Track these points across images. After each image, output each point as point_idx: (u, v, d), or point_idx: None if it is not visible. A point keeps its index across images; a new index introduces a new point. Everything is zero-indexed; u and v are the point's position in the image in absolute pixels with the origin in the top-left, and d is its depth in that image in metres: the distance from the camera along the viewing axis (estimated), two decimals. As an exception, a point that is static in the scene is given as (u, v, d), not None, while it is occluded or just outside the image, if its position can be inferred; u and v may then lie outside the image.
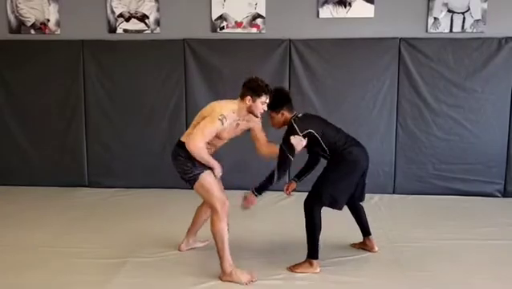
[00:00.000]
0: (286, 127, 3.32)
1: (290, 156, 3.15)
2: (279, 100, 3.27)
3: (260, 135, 3.38)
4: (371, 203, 4.87)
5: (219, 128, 3.08)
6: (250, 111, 3.16)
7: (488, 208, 4.77)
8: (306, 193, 3.33)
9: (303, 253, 3.29)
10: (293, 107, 3.36)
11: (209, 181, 3.16)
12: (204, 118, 3.12)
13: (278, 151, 3.24)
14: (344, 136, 3.34)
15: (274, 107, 3.26)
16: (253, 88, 3.12)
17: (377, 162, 5.10)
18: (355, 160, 3.26)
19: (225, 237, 3.11)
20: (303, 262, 3.25)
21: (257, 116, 3.21)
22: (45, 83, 5.38)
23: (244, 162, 5.18)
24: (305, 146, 3.26)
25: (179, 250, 3.61)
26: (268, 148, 3.37)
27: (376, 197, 5.05)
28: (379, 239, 3.81)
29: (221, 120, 3.05)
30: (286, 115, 3.30)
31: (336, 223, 3.72)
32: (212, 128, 3.05)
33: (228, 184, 4.67)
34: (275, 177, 3.18)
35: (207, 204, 3.27)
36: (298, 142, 3.16)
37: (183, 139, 3.23)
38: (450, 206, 4.82)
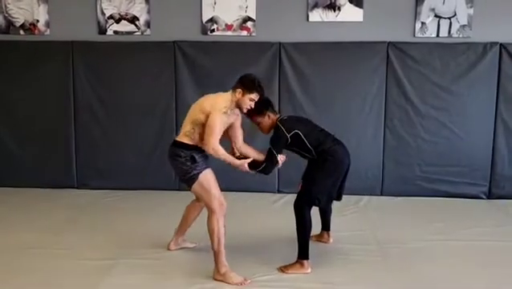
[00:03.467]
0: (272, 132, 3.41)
1: (274, 164, 3.29)
2: (261, 105, 3.33)
3: (238, 130, 3.39)
4: (360, 204, 4.94)
5: (225, 121, 3.13)
6: (238, 104, 3.21)
7: (473, 209, 4.85)
8: (296, 195, 3.40)
9: (294, 253, 3.33)
10: (275, 110, 3.48)
11: (209, 180, 3.19)
12: (203, 112, 3.13)
13: (255, 156, 3.35)
14: (327, 135, 3.44)
15: (258, 112, 3.33)
16: (246, 83, 3.18)
17: (365, 164, 5.20)
18: (339, 158, 3.35)
19: (221, 237, 3.14)
20: (294, 263, 3.30)
21: (242, 110, 3.24)
22: (34, 83, 5.35)
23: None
24: (293, 148, 3.36)
25: (168, 248, 3.63)
26: (244, 150, 3.40)
27: (365, 198, 5.12)
28: (367, 240, 3.88)
29: (225, 112, 3.11)
30: (272, 116, 3.40)
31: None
32: (220, 124, 3.09)
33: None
34: (262, 170, 3.30)
35: (205, 204, 3.25)
36: (280, 158, 3.33)
37: (179, 138, 3.26)
38: (436, 208, 4.89)
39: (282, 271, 3.28)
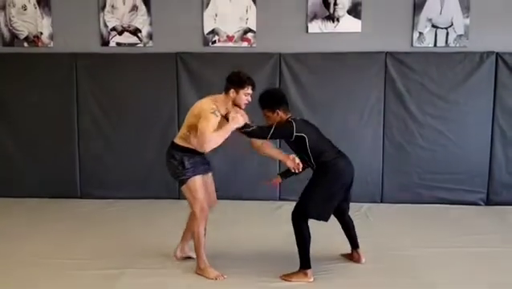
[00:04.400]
0: None
1: (269, 135, 3.28)
2: (275, 100, 3.37)
3: None
4: (361, 212, 5.01)
5: (215, 121, 3.19)
6: (235, 103, 3.30)
7: (472, 216, 4.92)
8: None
9: (296, 261, 3.38)
10: (289, 110, 3.46)
11: (196, 185, 3.37)
12: (195, 116, 3.24)
13: (268, 150, 3.45)
14: (332, 148, 3.45)
15: (269, 106, 3.36)
16: (235, 81, 3.29)
17: (365, 172, 5.27)
18: (339, 172, 3.34)
19: (201, 238, 3.41)
20: (297, 272, 3.35)
21: (241, 107, 3.33)
22: (38, 95, 5.43)
23: (234, 172, 5.30)
24: (293, 148, 3.40)
25: (174, 255, 3.68)
26: (258, 142, 3.48)
27: (365, 206, 5.19)
28: (368, 247, 3.93)
29: (213, 112, 3.20)
30: (282, 115, 3.38)
31: (327, 233, 3.84)
32: (210, 123, 3.15)
33: (219, 194, 4.78)
34: (248, 128, 3.27)
35: (190, 206, 3.44)
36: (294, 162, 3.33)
37: (176, 140, 3.43)
38: (435, 215, 4.97)
39: (285, 280, 3.34)
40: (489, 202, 5.28)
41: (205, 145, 3.15)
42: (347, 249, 3.78)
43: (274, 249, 3.96)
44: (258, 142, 3.47)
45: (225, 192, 5.18)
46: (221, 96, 3.33)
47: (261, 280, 3.35)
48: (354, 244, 3.70)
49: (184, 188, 3.40)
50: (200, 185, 3.38)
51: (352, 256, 3.73)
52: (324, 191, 3.32)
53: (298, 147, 3.36)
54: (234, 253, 3.86)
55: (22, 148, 5.53)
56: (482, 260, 3.77)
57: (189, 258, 3.70)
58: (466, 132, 5.22)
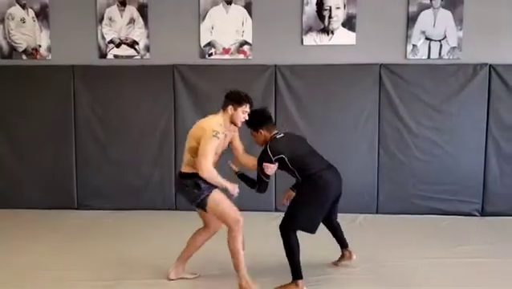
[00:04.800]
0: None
1: (265, 179, 3.37)
2: (257, 121, 3.46)
3: (238, 143, 3.56)
4: (356, 223, 5.04)
5: (216, 144, 3.22)
6: (232, 120, 3.34)
7: (466, 227, 4.94)
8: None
9: (289, 273, 3.40)
10: (273, 126, 3.53)
11: (217, 200, 3.29)
12: (195, 139, 3.25)
13: (254, 163, 3.45)
14: (318, 160, 3.49)
15: (252, 126, 3.46)
16: (233, 98, 3.34)
17: (360, 183, 5.31)
18: (326, 184, 3.38)
19: (240, 255, 3.27)
20: (290, 284, 3.36)
21: (237, 125, 3.38)
22: (36, 107, 5.48)
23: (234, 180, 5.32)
24: (279, 167, 3.44)
25: (168, 278, 3.56)
26: (245, 159, 3.56)
27: (361, 216, 5.21)
28: (363, 258, 3.95)
29: (215, 135, 3.20)
30: (265, 134, 3.47)
31: (319, 243, 3.85)
32: (211, 147, 3.19)
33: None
34: (255, 188, 3.42)
35: (223, 223, 3.35)
36: (269, 167, 3.35)
37: (182, 169, 3.38)
38: (430, 225, 4.98)
39: None
40: (484, 213, 5.30)
41: (201, 172, 3.18)
42: (336, 256, 3.83)
43: (269, 260, 3.96)
44: (243, 161, 3.57)
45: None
46: (218, 117, 3.34)
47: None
48: (343, 244, 3.78)
49: (208, 210, 3.30)
50: (221, 197, 3.31)
51: (343, 255, 3.79)
52: (310, 204, 3.35)
53: (281, 165, 3.41)
54: (228, 264, 3.85)
55: (19, 160, 5.56)
56: (476, 271, 3.79)
57: (184, 278, 3.60)
58: (460, 143, 5.26)
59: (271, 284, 3.45)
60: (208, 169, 3.18)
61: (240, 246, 3.27)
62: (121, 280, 3.59)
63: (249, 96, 3.39)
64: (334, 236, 3.78)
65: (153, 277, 3.64)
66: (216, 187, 3.33)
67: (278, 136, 3.49)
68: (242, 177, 3.54)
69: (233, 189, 3.29)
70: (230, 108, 3.32)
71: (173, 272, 3.57)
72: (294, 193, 3.65)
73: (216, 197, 3.29)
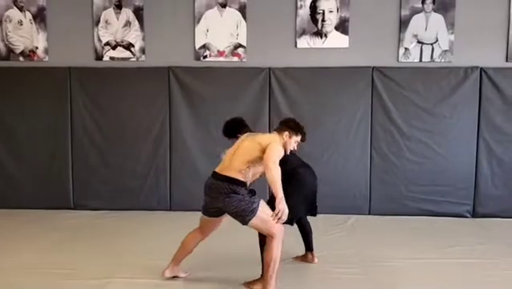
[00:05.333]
0: None
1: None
2: (232, 129, 3.62)
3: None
4: (347, 224, 5.09)
5: (281, 156, 3.17)
6: (284, 146, 3.30)
7: (457, 228, 4.99)
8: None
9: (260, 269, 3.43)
10: (245, 130, 3.58)
11: (265, 210, 3.18)
12: (261, 151, 3.16)
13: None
14: (296, 158, 3.62)
15: (229, 135, 3.61)
16: (292, 127, 3.38)
17: (353, 184, 5.38)
18: (303, 180, 3.54)
19: (278, 263, 3.18)
20: (260, 278, 3.36)
21: (286, 152, 3.33)
22: (33, 108, 5.54)
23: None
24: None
25: (163, 274, 3.60)
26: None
27: (353, 217, 5.26)
28: (353, 258, 4.01)
29: (282, 146, 3.25)
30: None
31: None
32: (280, 150, 3.17)
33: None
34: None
35: (265, 232, 3.22)
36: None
37: (232, 175, 3.18)
38: (422, 226, 5.04)
39: (248, 287, 3.40)
40: (475, 214, 5.36)
41: (267, 169, 3.06)
42: (324, 256, 3.93)
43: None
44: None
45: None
46: (271, 136, 3.35)
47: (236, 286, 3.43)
48: (309, 247, 3.87)
49: (254, 220, 3.14)
50: (267, 206, 3.22)
51: (306, 257, 3.89)
52: (290, 198, 3.26)
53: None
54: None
55: (16, 160, 5.62)
56: (464, 271, 3.84)
57: (177, 277, 3.63)
58: (452, 145, 5.32)
59: (241, 279, 3.51)
60: (274, 168, 3.03)
61: (279, 253, 3.18)
62: (115, 279, 3.63)
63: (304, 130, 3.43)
64: (302, 237, 3.87)
65: (148, 277, 3.67)
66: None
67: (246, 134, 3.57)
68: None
69: (281, 201, 3.05)
70: (286, 134, 3.33)
71: (168, 270, 3.61)
72: None
73: (264, 206, 3.20)
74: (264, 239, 3.33)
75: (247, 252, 3.95)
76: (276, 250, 3.15)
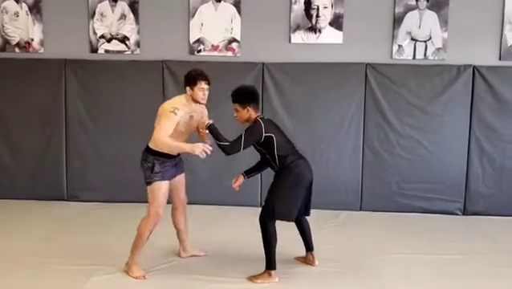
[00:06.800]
0: (247, 124, 3.51)
1: (242, 147, 3.36)
2: (246, 96, 3.48)
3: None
4: (338, 219, 5.11)
5: (175, 120, 3.35)
6: (194, 99, 3.46)
7: (448, 225, 5.02)
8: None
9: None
10: (259, 109, 3.58)
11: (161, 190, 3.50)
12: (157, 116, 3.44)
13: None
14: (293, 150, 3.58)
15: (240, 100, 3.47)
16: (188, 78, 3.47)
17: (345, 180, 5.40)
18: (300, 172, 3.48)
19: (143, 239, 3.53)
20: (263, 273, 3.46)
21: (200, 102, 3.48)
22: (28, 99, 5.57)
23: (216, 178, 5.41)
24: (258, 148, 3.51)
25: (179, 256, 3.87)
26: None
27: (344, 213, 5.29)
28: (341, 253, 4.04)
29: (172, 111, 3.36)
30: (251, 112, 3.48)
31: (293, 237, 3.91)
32: (168, 122, 3.36)
33: (200, 199, 4.89)
34: (222, 146, 3.39)
35: (148, 206, 3.56)
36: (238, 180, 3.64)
37: (150, 144, 3.55)
38: (412, 223, 5.06)
39: (252, 281, 3.45)
40: (466, 212, 5.38)
41: (157, 142, 3.36)
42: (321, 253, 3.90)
43: (250, 252, 4.02)
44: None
45: (206, 197, 5.35)
46: (182, 96, 3.50)
47: (231, 283, 3.46)
48: (309, 247, 3.81)
49: (148, 188, 3.54)
50: (163, 191, 3.51)
51: (307, 258, 3.83)
52: (289, 191, 3.44)
53: (265, 147, 3.46)
54: (210, 256, 3.98)
55: (10, 151, 5.65)
56: (451, 268, 3.87)
57: (195, 256, 3.87)
58: (444, 143, 5.33)
59: (246, 274, 3.55)
60: (161, 139, 3.33)
61: (147, 233, 3.51)
62: (102, 269, 3.67)
63: (204, 73, 3.49)
64: (301, 236, 3.82)
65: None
66: (167, 179, 3.50)
67: (265, 118, 3.55)
68: (213, 131, 3.44)
69: (197, 148, 3.29)
70: (188, 89, 3.46)
71: (182, 252, 3.89)
72: (243, 179, 3.72)
73: (162, 187, 3.50)
74: (263, 234, 3.42)
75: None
76: (144, 227, 3.51)
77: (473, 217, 5.28)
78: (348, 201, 5.43)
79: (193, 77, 3.46)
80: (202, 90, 3.45)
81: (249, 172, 3.76)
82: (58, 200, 5.60)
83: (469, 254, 4.16)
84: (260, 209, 5.20)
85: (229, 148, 3.38)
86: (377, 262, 3.92)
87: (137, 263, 3.55)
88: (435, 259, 4.03)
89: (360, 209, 5.46)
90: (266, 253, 3.44)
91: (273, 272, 3.43)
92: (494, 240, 4.55)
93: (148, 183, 3.53)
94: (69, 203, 5.56)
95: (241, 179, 3.74)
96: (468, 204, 5.38)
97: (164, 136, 3.35)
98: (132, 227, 4.67)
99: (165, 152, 3.46)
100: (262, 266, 3.54)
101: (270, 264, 3.43)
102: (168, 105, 3.44)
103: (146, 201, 5.39)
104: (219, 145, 3.40)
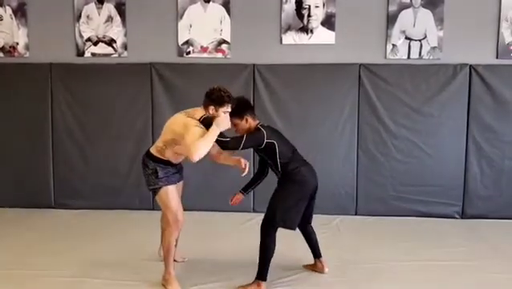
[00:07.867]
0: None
1: (242, 145, 3.25)
2: (242, 107, 3.38)
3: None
4: (333, 224, 4.97)
5: (202, 132, 3.14)
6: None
7: (445, 229, 4.87)
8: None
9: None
10: (256, 116, 3.48)
11: (169, 195, 3.35)
12: (174, 134, 3.24)
13: (232, 161, 3.45)
14: (297, 156, 3.47)
15: (237, 113, 3.34)
16: (215, 99, 3.23)
17: (339, 184, 5.26)
18: (304, 179, 3.37)
19: (171, 249, 3.38)
20: (252, 283, 3.32)
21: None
22: (13, 104, 5.43)
23: (208, 184, 5.27)
24: (261, 155, 3.42)
25: (175, 261, 3.67)
26: (223, 159, 3.53)
27: (339, 218, 5.15)
28: (334, 259, 3.89)
29: (197, 125, 3.17)
30: (251, 121, 3.39)
31: (290, 243, 3.80)
32: (197, 129, 3.14)
33: (192, 205, 4.75)
34: (223, 142, 3.25)
35: (164, 216, 3.44)
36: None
37: (151, 150, 3.43)
38: (409, 227, 4.92)
39: None
40: (464, 215, 5.24)
41: (195, 156, 3.05)
42: (310, 260, 3.74)
43: (241, 260, 3.91)
44: (214, 151, 3.45)
45: (198, 203, 5.20)
46: (200, 110, 3.30)
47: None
48: (316, 254, 3.68)
49: (157, 197, 3.40)
50: (173, 195, 3.37)
51: (316, 266, 3.70)
52: (291, 198, 3.33)
53: (266, 154, 3.37)
54: (199, 263, 3.85)
55: (-4, 158, 5.52)
56: (447, 273, 3.74)
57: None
58: (440, 144, 5.19)
59: (239, 283, 3.42)
60: (198, 147, 3.05)
61: (173, 240, 3.39)
62: (91, 279, 3.55)
63: (231, 95, 3.29)
64: (308, 243, 3.69)
65: (128, 276, 3.59)
66: (173, 183, 3.36)
67: (265, 125, 3.46)
68: (247, 189, 3.64)
69: (222, 121, 3.16)
70: (212, 109, 3.23)
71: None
72: (242, 197, 3.66)
73: (169, 192, 3.35)
74: (262, 241, 3.31)
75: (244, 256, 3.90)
76: (168, 237, 3.37)
77: (472, 221, 5.14)
78: (343, 206, 5.29)
79: (221, 98, 3.22)
80: (226, 112, 3.25)
81: (246, 189, 3.69)
82: (46, 208, 5.46)
83: (468, 259, 4.01)
84: (251, 214, 5.23)
85: (230, 142, 3.26)
86: (369, 270, 3.78)
87: (173, 276, 3.39)
88: (432, 266, 3.89)
89: (355, 214, 5.31)
90: (259, 262, 3.31)
91: (263, 283, 3.29)
92: (494, 244, 4.41)
93: (154, 191, 3.39)
94: (56, 211, 5.43)
95: (240, 196, 3.67)
96: (466, 207, 5.24)
97: (201, 150, 3.08)
98: (123, 234, 4.63)
99: (174, 158, 3.36)
100: (252, 276, 3.39)
101: (262, 275, 3.29)
102: (190, 121, 3.21)
103: (135, 208, 5.36)
104: (221, 141, 3.25)
